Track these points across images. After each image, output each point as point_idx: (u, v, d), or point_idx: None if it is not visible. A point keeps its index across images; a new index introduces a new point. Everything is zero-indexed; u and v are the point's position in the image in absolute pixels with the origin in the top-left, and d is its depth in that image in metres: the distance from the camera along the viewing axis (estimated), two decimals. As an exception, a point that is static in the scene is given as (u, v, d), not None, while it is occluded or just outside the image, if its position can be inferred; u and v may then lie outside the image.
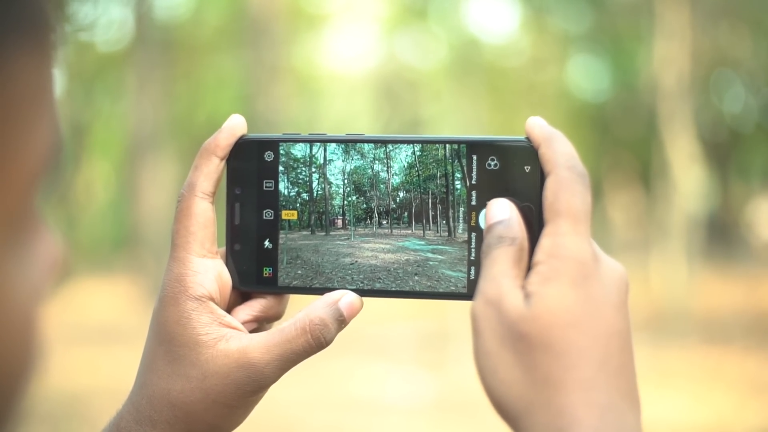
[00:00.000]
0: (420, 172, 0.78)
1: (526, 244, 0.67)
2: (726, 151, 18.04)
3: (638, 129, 16.52)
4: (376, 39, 18.69)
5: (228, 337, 0.74)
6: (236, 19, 13.55)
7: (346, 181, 0.79)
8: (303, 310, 0.75)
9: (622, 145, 18.88)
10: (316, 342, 0.74)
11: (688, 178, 10.75)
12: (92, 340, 8.84)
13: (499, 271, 0.66)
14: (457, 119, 15.96)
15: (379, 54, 18.83)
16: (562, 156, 0.68)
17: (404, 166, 0.78)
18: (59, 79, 0.44)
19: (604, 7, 15.46)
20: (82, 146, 15.59)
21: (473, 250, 0.76)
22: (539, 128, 0.71)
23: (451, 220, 0.77)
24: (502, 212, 0.69)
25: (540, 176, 0.72)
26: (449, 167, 0.77)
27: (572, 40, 17.35)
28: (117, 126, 15.35)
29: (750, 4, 12.94)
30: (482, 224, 0.76)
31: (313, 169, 0.80)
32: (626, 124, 17.44)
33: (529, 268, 0.66)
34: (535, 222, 0.70)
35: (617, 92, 17.91)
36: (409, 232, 0.78)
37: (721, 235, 16.60)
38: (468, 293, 0.75)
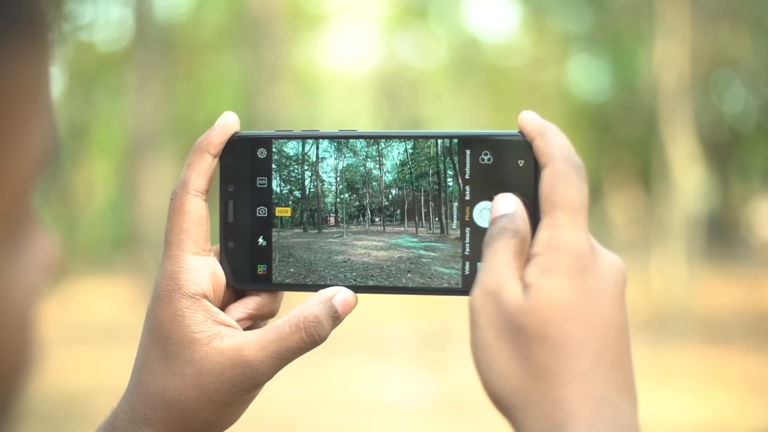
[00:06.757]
0: (412, 170, 0.77)
1: (528, 239, 0.67)
2: (726, 151, 18.03)
3: (638, 129, 16.51)
4: (376, 39, 18.70)
5: (222, 334, 0.74)
6: (236, 19, 13.55)
7: (338, 178, 0.79)
8: (297, 307, 0.75)
9: (622, 145, 18.88)
10: (310, 339, 0.74)
11: (688, 178, 10.74)
12: (92, 340, 8.83)
13: (500, 262, 0.65)
14: (457, 119, 15.94)
15: (379, 54, 18.83)
16: (557, 148, 0.68)
17: (396, 164, 0.78)
18: (57, 79, 0.44)
19: (604, 7, 15.45)
20: (82, 146, 15.58)
21: (467, 245, 0.75)
22: (532, 122, 0.71)
23: (443, 217, 0.76)
24: (507, 206, 0.69)
25: (534, 170, 0.72)
26: (441, 164, 0.76)
27: (572, 40, 17.35)
28: (117, 126, 15.34)
29: (750, 4, 12.94)
30: (476, 219, 0.75)
31: (306, 167, 0.79)
32: (626, 124, 17.43)
33: (527, 260, 0.65)
34: (529, 216, 0.70)
35: (617, 92, 17.90)
36: (402, 229, 0.78)
37: (721, 235, 16.58)
38: (462, 288, 0.75)
